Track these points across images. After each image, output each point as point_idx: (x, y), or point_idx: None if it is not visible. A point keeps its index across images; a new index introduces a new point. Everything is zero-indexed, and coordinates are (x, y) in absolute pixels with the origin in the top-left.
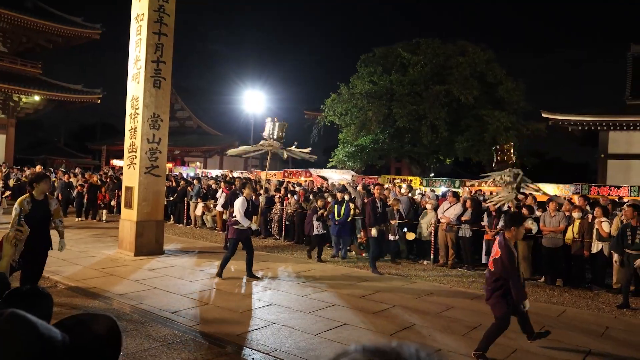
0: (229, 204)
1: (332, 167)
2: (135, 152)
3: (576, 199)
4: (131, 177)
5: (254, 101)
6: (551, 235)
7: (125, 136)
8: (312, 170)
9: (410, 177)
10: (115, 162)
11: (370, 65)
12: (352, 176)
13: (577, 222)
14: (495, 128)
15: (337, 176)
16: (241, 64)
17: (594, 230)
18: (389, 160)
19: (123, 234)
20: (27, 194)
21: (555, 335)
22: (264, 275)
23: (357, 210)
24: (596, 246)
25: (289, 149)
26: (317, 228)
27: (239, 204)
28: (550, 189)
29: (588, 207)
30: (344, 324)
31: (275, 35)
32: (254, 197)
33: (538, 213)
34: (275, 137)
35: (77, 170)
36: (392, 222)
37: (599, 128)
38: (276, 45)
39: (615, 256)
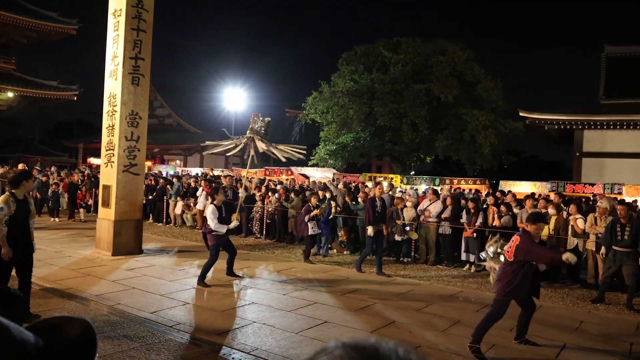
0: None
1: (313, 165)
2: (113, 150)
3: (553, 196)
4: (109, 176)
5: (235, 99)
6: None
7: (103, 134)
8: (293, 169)
9: (391, 175)
10: (93, 161)
11: (351, 63)
12: (334, 174)
13: (553, 219)
14: (474, 126)
15: (319, 174)
16: (222, 62)
17: (570, 227)
18: (370, 159)
19: (100, 233)
20: (8, 194)
21: (531, 330)
22: (245, 274)
23: (339, 208)
24: (571, 242)
25: (279, 146)
26: (312, 228)
27: (209, 213)
28: (528, 186)
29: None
30: (325, 321)
31: (257, 33)
32: (225, 199)
33: (516, 210)
34: (260, 133)
35: (52, 168)
36: (398, 222)
37: (574, 127)
38: (258, 43)
39: (603, 249)
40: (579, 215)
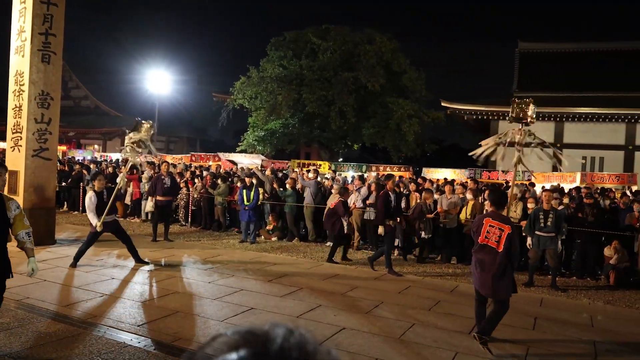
0: (153, 189)
1: (241, 151)
2: (21, 132)
3: (469, 183)
4: (16, 161)
5: (160, 82)
6: (447, 216)
7: (8, 115)
8: (220, 155)
9: (319, 162)
10: None
11: (280, 49)
12: (262, 160)
13: (470, 204)
14: (400, 115)
15: (247, 160)
16: (146, 42)
17: (484, 211)
18: (298, 145)
19: None
20: None
21: (449, 308)
22: (168, 261)
23: (266, 195)
24: None
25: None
26: (348, 226)
27: (87, 201)
28: (448, 173)
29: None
30: (251, 308)
31: (184, 15)
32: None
33: (436, 196)
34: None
35: None
36: (429, 216)
37: (490, 117)
38: (184, 24)
39: (529, 239)
40: None
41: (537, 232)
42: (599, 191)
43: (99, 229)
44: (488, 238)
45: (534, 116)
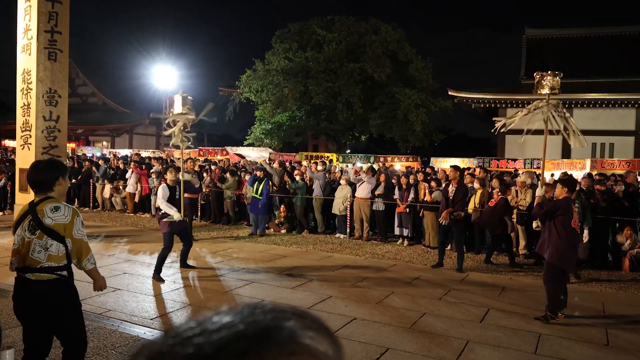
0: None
1: (249, 145)
2: (30, 130)
3: (478, 172)
4: (26, 158)
5: (166, 77)
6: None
7: (18, 113)
8: (228, 148)
9: (327, 154)
10: (8, 143)
11: (285, 41)
12: (270, 153)
13: (478, 193)
14: (407, 105)
15: (255, 154)
16: (151, 38)
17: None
18: (306, 137)
19: None
20: None
21: (459, 297)
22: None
23: (275, 188)
24: None
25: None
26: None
27: (160, 193)
28: (456, 162)
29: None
30: (262, 300)
31: (188, 9)
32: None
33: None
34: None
35: None
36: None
37: (497, 105)
38: (188, 19)
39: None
40: None
41: None
42: (617, 179)
43: (176, 219)
44: (575, 223)
45: (559, 85)
